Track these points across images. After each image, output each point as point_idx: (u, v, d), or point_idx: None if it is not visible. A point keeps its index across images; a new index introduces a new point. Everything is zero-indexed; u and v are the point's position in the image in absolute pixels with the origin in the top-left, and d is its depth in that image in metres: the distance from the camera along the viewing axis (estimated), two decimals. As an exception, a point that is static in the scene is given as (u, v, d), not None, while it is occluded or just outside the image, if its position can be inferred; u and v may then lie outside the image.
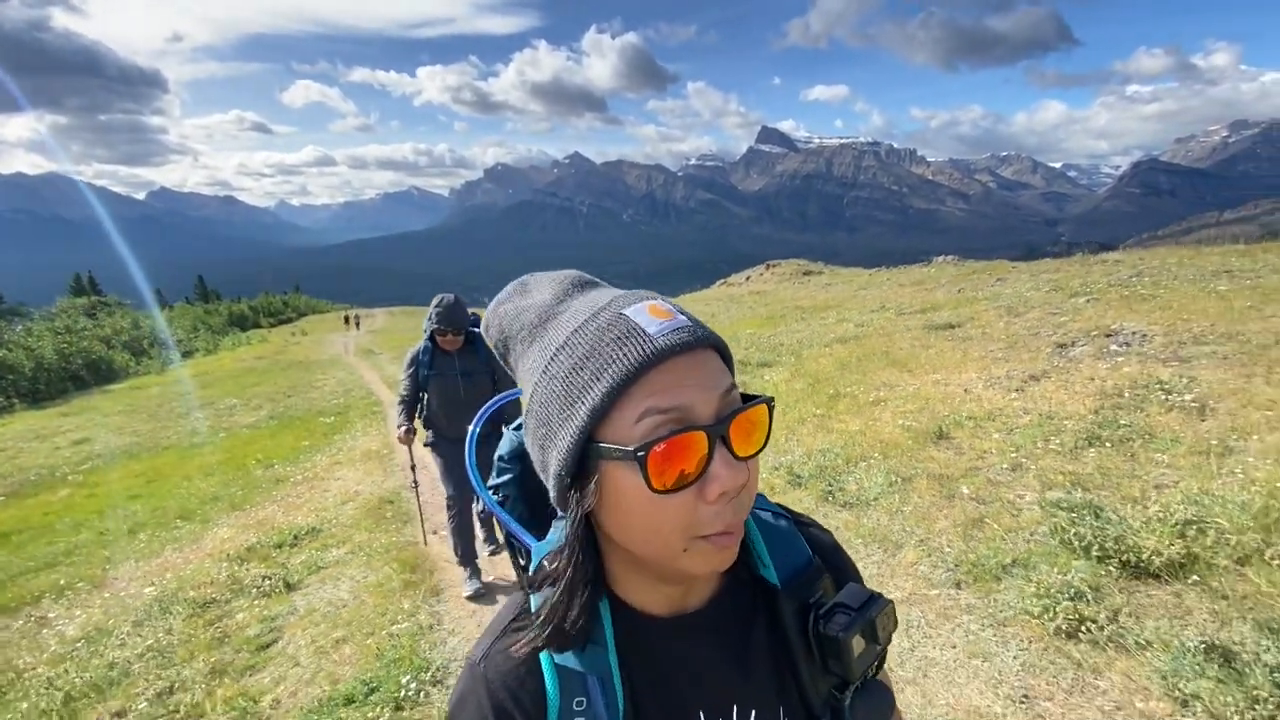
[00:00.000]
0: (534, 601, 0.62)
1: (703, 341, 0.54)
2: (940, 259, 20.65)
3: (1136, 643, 2.32)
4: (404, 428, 4.08)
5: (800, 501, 4.43)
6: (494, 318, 0.65)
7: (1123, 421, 4.16)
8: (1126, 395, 4.58)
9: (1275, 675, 1.99)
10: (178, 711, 3.42)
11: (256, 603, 4.61)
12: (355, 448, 9.16)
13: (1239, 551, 2.59)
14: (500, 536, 4.24)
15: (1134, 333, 5.83)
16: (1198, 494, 3.04)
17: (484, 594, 4.02)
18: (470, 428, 0.87)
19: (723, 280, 29.63)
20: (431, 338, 3.92)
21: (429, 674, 3.24)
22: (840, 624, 0.63)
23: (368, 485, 7.08)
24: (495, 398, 0.89)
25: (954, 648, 2.61)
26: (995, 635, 2.61)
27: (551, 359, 0.56)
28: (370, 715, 2.94)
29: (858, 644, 0.63)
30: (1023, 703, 2.24)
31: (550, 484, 0.58)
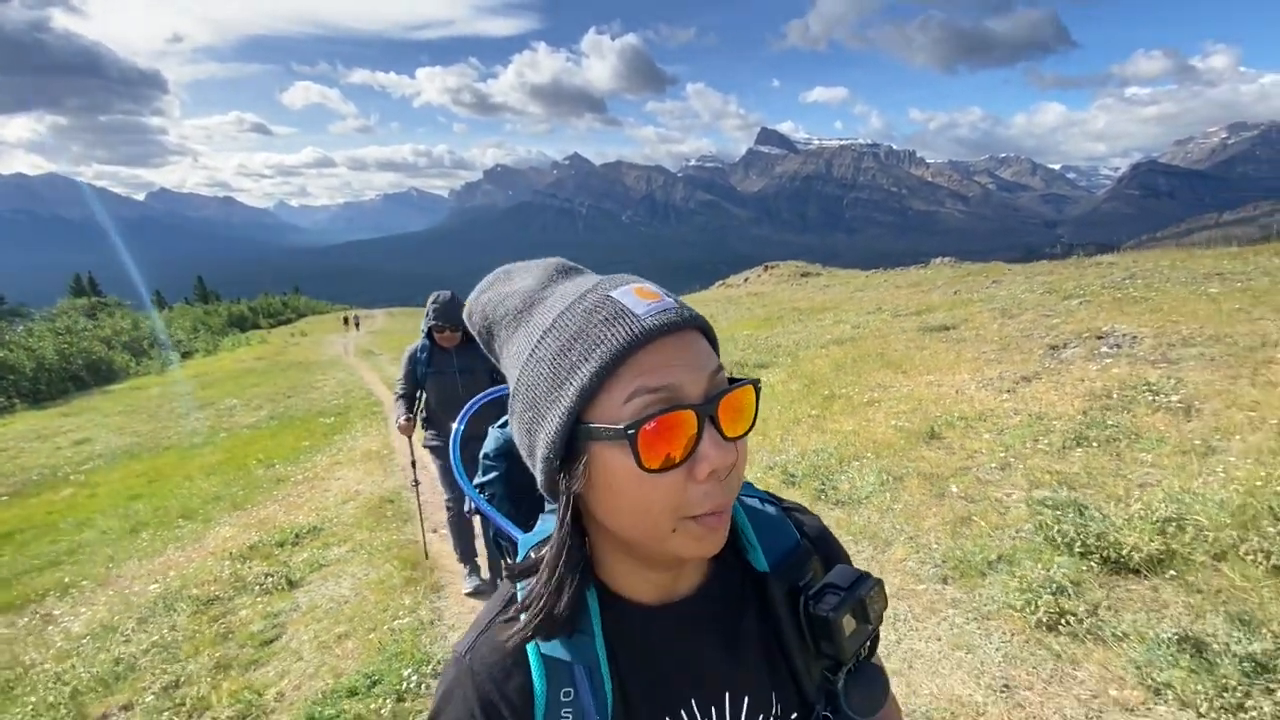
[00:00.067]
0: (520, 591, 0.61)
1: (690, 322, 0.55)
2: (938, 261, 20.74)
3: (1114, 635, 2.40)
4: (404, 416, 4.05)
5: (793, 500, 4.51)
6: (477, 305, 0.65)
7: (1110, 422, 4.24)
8: (1115, 396, 4.66)
9: (1244, 665, 2.07)
10: (184, 704, 3.49)
11: (259, 599, 4.69)
12: (355, 448, 9.23)
13: (1216, 547, 2.67)
14: (482, 551, 4.26)
15: (1125, 335, 5.92)
16: (1179, 492, 3.12)
17: (484, 591, 4.10)
18: (454, 424, 0.88)
19: (721, 281, 29.70)
20: (429, 335, 3.92)
21: (430, 667, 3.32)
22: (830, 604, 0.63)
23: (368, 485, 7.15)
24: (478, 395, 0.90)
25: (939, 640, 2.70)
26: (979, 628, 2.69)
27: (538, 342, 0.56)
28: (373, 706, 3.02)
29: (848, 624, 0.63)
30: (1003, 692, 2.32)
31: (538, 468, 0.57)
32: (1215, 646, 2.18)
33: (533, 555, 0.63)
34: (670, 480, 0.52)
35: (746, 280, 27.47)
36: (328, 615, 4.23)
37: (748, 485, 0.72)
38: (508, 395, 0.60)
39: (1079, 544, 2.89)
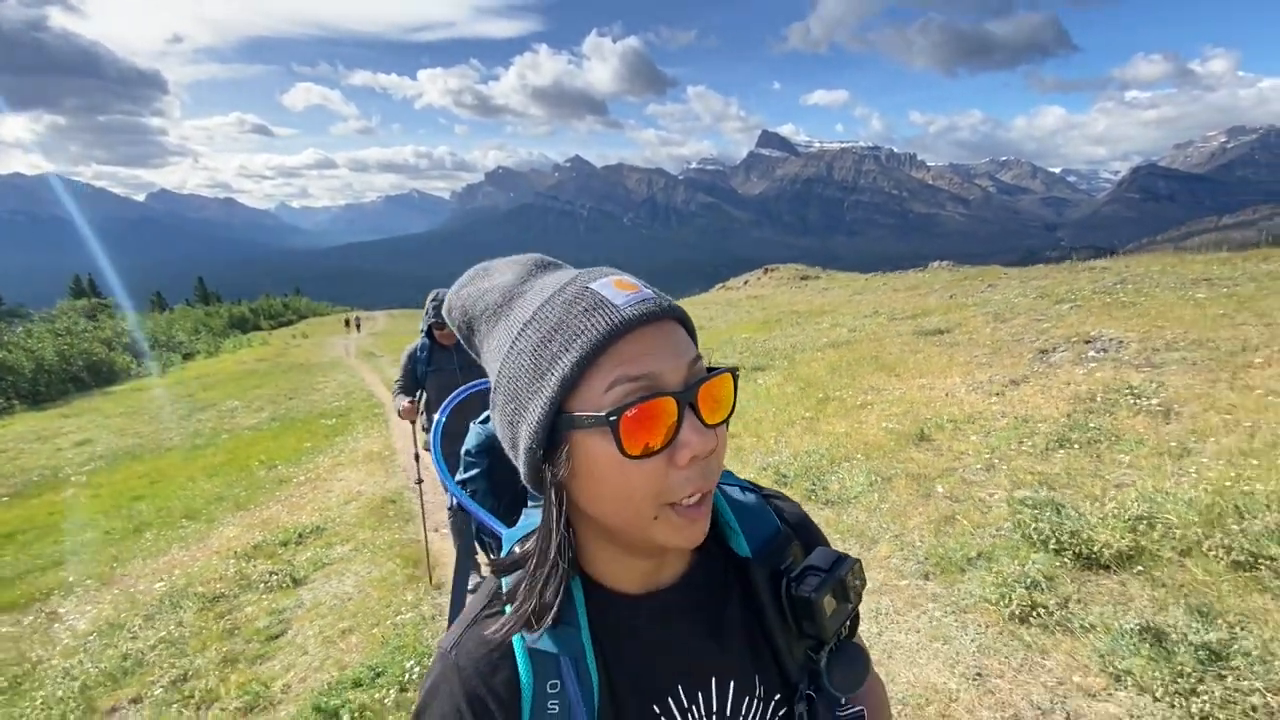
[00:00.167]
0: (505, 584, 0.62)
1: (668, 312, 0.55)
2: (936, 264, 20.85)
3: (1081, 626, 2.53)
4: (407, 400, 4.00)
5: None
6: (457, 300, 0.65)
7: (1092, 424, 4.36)
8: (1099, 399, 4.78)
9: (1199, 653, 2.19)
10: (192, 696, 3.60)
11: (264, 597, 4.80)
12: (357, 449, 9.34)
13: (1183, 544, 2.80)
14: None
15: (1111, 339, 6.04)
16: (1151, 492, 3.25)
17: (484, 587, 4.21)
18: (436, 416, 0.90)
19: (722, 284, 29.84)
20: (429, 333, 3.97)
21: (432, 659, 3.44)
22: (811, 585, 0.65)
23: (370, 485, 7.27)
24: (461, 387, 0.93)
25: (918, 632, 2.82)
26: (956, 621, 2.82)
27: (519, 335, 0.56)
28: (377, 696, 3.14)
29: (829, 604, 0.65)
30: (975, 680, 2.44)
31: (521, 459, 0.58)
32: (1174, 636, 2.30)
33: (517, 549, 0.64)
34: (652, 466, 0.53)
35: (746, 283, 27.59)
36: (332, 611, 4.35)
37: (728, 474, 0.72)
38: (488, 389, 0.61)
39: (1054, 541, 3.02)
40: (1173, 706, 2.07)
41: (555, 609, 0.57)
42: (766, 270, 28.15)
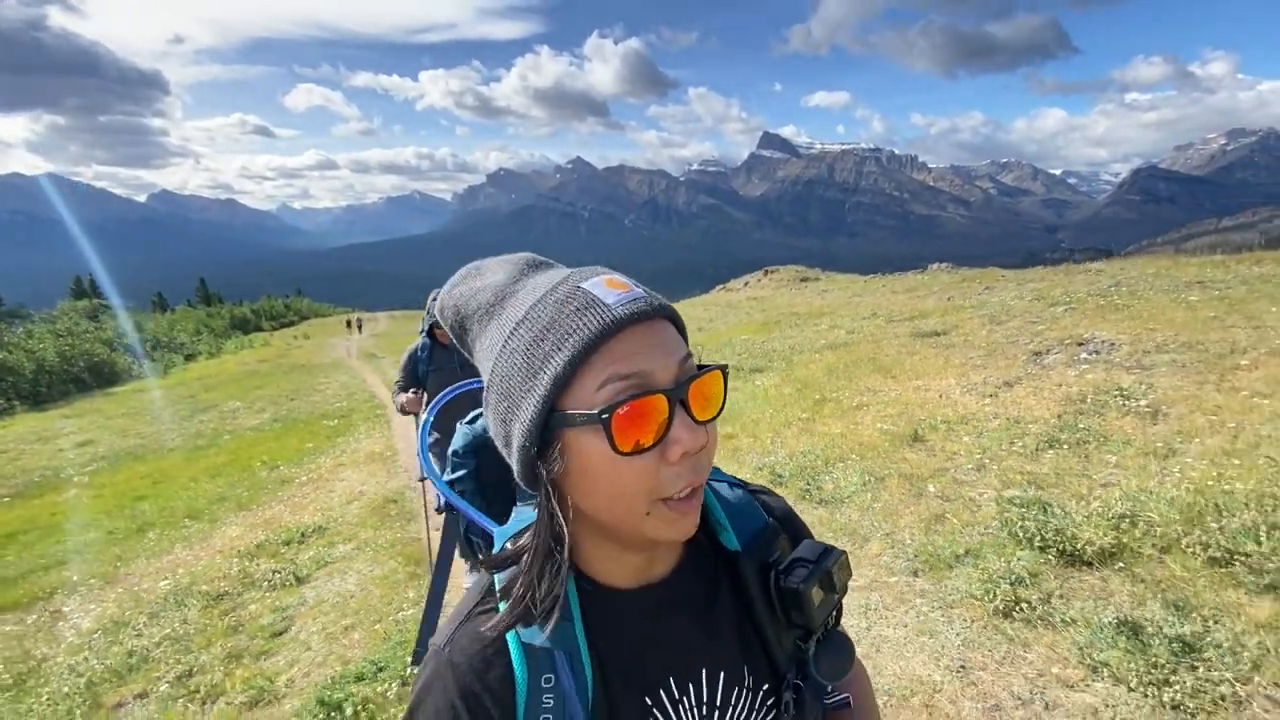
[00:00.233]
0: (498, 580, 0.63)
1: (658, 311, 0.56)
2: (935, 266, 20.92)
3: (1063, 620, 2.61)
4: (412, 390, 3.94)
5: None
6: (449, 299, 0.66)
7: (1082, 425, 4.44)
8: (1089, 401, 4.86)
9: (1173, 645, 2.28)
10: (198, 691, 3.68)
11: (268, 595, 4.88)
12: (359, 450, 9.41)
13: (1163, 541, 2.88)
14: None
15: (1104, 341, 6.12)
16: (1135, 491, 3.33)
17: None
18: (423, 415, 0.93)
19: (722, 286, 29.94)
20: (430, 333, 3.95)
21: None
22: (799, 576, 0.66)
23: (372, 485, 7.34)
24: (449, 387, 0.94)
25: (905, 627, 2.90)
26: (942, 616, 2.90)
27: (511, 333, 0.57)
28: (380, 689, 3.22)
29: (817, 594, 0.66)
30: (959, 672, 2.52)
31: (514, 457, 0.58)
32: (1150, 629, 2.38)
33: (509, 547, 0.65)
34: (644, 463, 0.54)
35: (746, 284, 27.68)
36: (334, 609, 4.43)
37: (715, 470, 0.73)
38: (473, 391, 0.63)
39: (1039, 539, 3.10)
40: (1146, 696, 2.15)
41: (550, 603, 0.58)
42: (767, 272, 28.23)
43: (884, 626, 2.94)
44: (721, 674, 0.65)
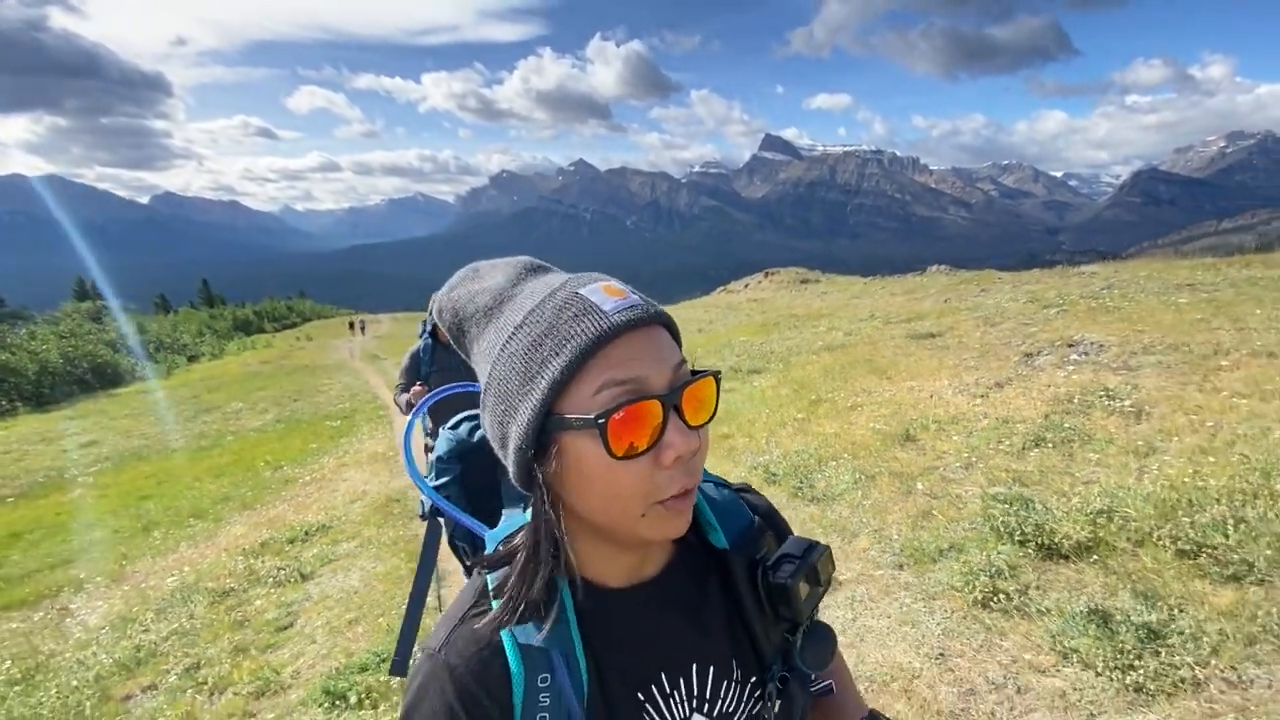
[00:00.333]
0: (491, 580, 0.63)
1: (654, 318, 0.57)
2: (934, 268, 21.01)
3: (1038, 610, 2.73)
4: (418, 384, 3.89)
5: (772, 497, 4.78)
6: (448, 301, 0.66)
7: (1067, 425, 4.54)
8: (1076, 401, 4.96)
9: (1140, 632, 2.39)
10: (205, 683, 3.79)
11: (273, 591, 4.99)
12: (362, 450, 9.53)
13: (1137, 535, 2.99)
14: None
15: (1093, 343, 6.22)
16: (1114, 487, 3.44)
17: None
18: (409, 417, 0.91)
19: (723, 287, 30.05)
20: (432, 334, 3.99)
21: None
22: (787, 572, 0.69)
23: (375, 485, 7.45)
24: (436, 390, 0.95)
25: (889, 617, 3.01)
26: (924, 607, 3.01)
27: (510, 337, 0.57)
28: (383, 679, 3.33)
29: (804, 588, 0.68)
30: (938, 660, 2.63)
31: (511, 459, 0.59)
32: (1119, 618, 2.50)
33: (502, 549, 0.66)
34: (638, 467, 0.55)
35: (747, 286, 27.78)
36: (338, 604, 4.54)
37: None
38: (464, 393, 0.64)
39: (1019, 533, 3.21)
40: (1111, 680, 2.27)
41: (544, 602, 0.59)
42: (767, 274, 28.33)
43: (868, 618, 3.05)
44: (711, 668, 0.67)
